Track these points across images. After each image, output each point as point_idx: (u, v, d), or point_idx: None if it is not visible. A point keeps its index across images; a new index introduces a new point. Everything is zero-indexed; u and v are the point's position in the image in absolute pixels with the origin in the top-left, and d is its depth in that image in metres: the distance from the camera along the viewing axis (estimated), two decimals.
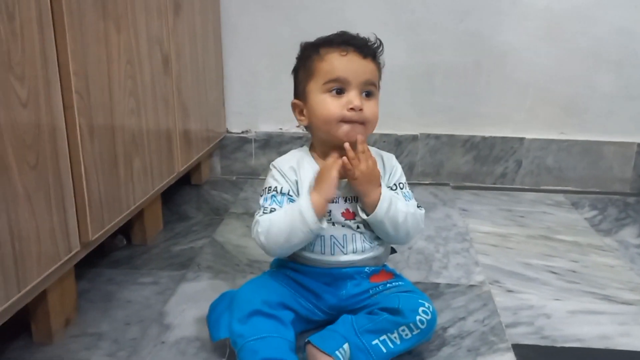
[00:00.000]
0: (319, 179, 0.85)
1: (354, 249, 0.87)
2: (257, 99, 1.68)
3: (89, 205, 0.89)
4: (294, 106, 0.91)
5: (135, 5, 1.03)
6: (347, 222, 0.87)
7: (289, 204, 0.85)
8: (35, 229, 0.76)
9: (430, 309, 0.82)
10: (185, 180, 1.60)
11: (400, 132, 1.63)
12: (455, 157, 1.64)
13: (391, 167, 0.93)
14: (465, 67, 1.59)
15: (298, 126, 1.67)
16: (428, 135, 1.64)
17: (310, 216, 0.80)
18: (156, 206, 1.27)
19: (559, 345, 0.88)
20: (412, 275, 1.09)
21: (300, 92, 0.90)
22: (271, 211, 0.84)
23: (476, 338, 0.89)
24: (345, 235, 0.87)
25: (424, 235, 1.28)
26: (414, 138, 1.63)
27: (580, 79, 1.58)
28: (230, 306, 0.83)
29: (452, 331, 0.91)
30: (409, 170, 1.65)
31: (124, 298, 1.01)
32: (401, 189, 0.91)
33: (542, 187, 1.63)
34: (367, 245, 0.88)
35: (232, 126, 1.70)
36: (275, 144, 1.68)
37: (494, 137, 1.62)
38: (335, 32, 0.89)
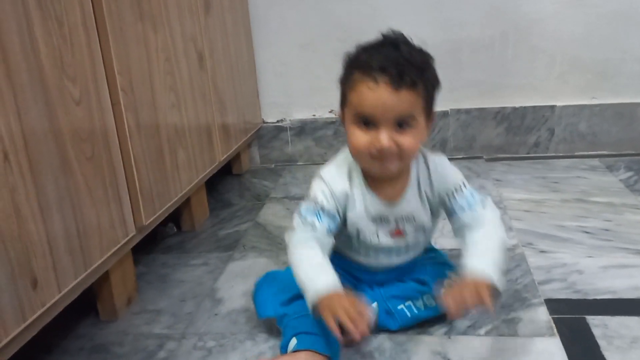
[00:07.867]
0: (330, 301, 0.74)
1: (398, 255, 0.89)
2: (289, 88, 1.74)
3: (141, 193, 0.97)
4: (341, 117, 0.84)
5: (168, 7, 1.10)
6: (397, 239, 0.86)
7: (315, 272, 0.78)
8: (96, 215, 0.84)
9: None
10: (227, 171, 1.68)
11: None
12: (487, 129, 1.66)
13: (438, 175, 0.85)
14: (491, 40, 1.61)
15: (331, 111, 1.75)
16: (458, 111, 1.66)
17: (311, 300, 0.75)
18: (202, 195, 1.35)
19: (591, 297, 0.91)
20: (447, 243, 1.12)
21: (341, 107, 0.83)
22: (311, 225, 0.82)
23: (509, 295, 0.93)
24: (391, 248, 0.87)
25: None
26: (445, 114, 1.66)
27: (610, 42, 1.57)
28: (276, 288, 0.88)
29: None
30: (441, 146, 1.68)
31: (178, 278, 1.09)
32: (455, 196, 0.84)
33: (576, 154, 1.64)
34: (411, 253, 0.90)
35: (267, 116, 1.77)
36: (310, 130, 1.74)
37: (525, 107, 1.63)
38: (379, 34, 0.80)
